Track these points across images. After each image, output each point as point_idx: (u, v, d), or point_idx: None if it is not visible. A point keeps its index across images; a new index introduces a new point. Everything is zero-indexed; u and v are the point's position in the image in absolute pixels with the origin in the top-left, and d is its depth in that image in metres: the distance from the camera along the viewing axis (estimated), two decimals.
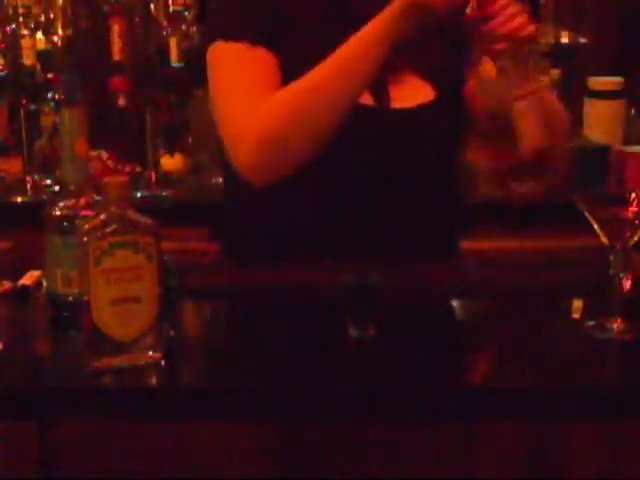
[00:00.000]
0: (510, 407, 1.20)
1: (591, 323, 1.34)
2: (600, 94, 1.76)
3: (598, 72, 1.80)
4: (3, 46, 2.79)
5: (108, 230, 1.23)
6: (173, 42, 2.75)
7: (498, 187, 1.67)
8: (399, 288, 1.47)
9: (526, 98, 1.57)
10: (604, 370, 1.28)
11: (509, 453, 1.22)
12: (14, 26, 2.76)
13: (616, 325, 1.31)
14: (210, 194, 2.61)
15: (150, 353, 1.25)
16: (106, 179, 1.26)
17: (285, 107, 1.57)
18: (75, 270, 1.31)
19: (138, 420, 1.23)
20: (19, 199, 2.71)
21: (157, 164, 2.80)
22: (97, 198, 1.36)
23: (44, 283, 1.47)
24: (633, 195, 1.27)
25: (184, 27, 2.77)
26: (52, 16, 2.80)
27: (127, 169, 2.81)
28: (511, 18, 1.57)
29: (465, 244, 1.80)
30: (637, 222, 1.29)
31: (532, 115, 1.57)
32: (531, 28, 1.59)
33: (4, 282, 1.53)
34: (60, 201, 1.40)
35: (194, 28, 2.77)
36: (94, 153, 2.68)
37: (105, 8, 2.84)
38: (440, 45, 1.70)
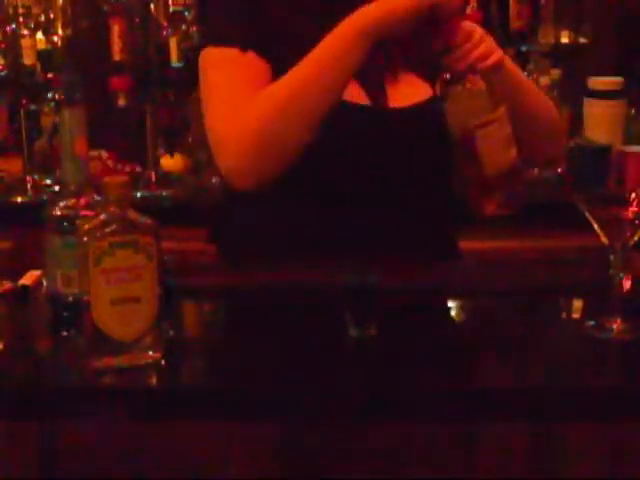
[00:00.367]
0: (510, 407, 1.20)
1: (591, 323, 1.34)
2: (600, 94, 1.76)
3: (598, 72, 1.81)
4: (3, 46, 2.79)
5: (108, 230, 1.23)
6: (173, 42, 2.76)
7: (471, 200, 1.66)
8: (399, 288, 1.47)
9: (486, 126, 1.56)
10: (604, 370, 1.28)
11: (509, 453, 1.22)
12: (14, 26, 2.76)
13: (616, 325, 1.31)
14: (210, 194, 2.61)
15: (150, 353, 1.25)
16: (106, 179, 1.26)
17: (264, 113, 1.58)
18: (75, 270, 1.31)
19: (138, 420, 1.23)
20: (19, 199, 2.72)
21: (157, 164, 2.80)
22: (97, 198, 1.36)
23: (44, 283, 1.47)
24: (633, 195, 1.27)
25: (184, 27, 2.78)
26: (52, 16, 2.80)
27: (127, 169, 2.81)
28: (475, 47, 1.58)
29: (465, 244, 1.80)
30: (637, 222, 1.29)
31: (492, 140, 1.56)
32: (495, 56, 1.60)
33: (4, 282, 1.53)
34: (60, 201, 1.40)
35: (194, 28, 2.76)
36: (94, 153, 2.68)
37: (105, 8, 2.84)
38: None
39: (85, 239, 1.23)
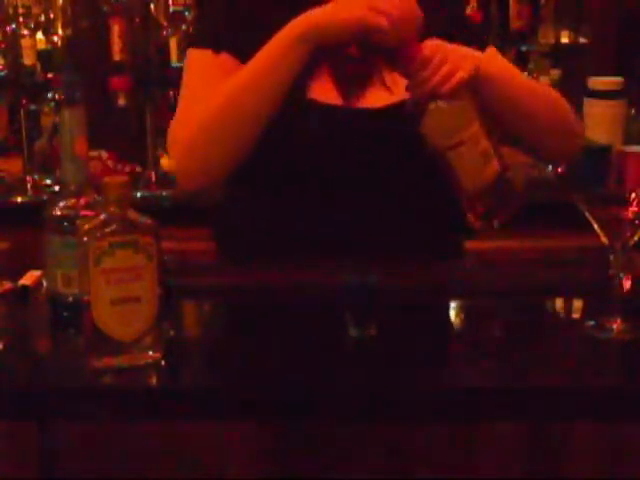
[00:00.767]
0: (510, 407, 1.20)
1: (591, 323, 1.34)
2: (600, 94, 1.76)
3: (598, 72, 1.81)
4: (3, 46, 2.79)
5: (108, 230, 1.23)
6: (173, 42, 2.76)
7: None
8: (399, 288, 1.47)
9: (457, 147, 1.52)
10: (604, 370, 1.28)
11: (509, 453, 1.22)
12: (14, 26, 2.76)
13: (616, 325, 1.31)
14: (210, 194, 2.60)
15: (150, 353, 1.25)
16: (106, 179, 1.26)
17: (203, 119, 1.63)
18: (75, 270, 1.31)
19: (138, 420, 1.23)
20: (19, 199, 2.72)
21: (157, 164, 2.80)
22: (97, 198, 1.36)
23: (44, 283, 1.47)
24: (633, 195, 1.27)
25: (184, 27, 2.78)
26: (52, 16, 2.80)
27: (127, 169, 2.81)
28: (434, 73, 1.52)
29: (465, 244, 1.80)
30: (637, 222, 1.29)
31: (465, 160, 1.52)
32: (459, 76, 1.53)
33: (4, 282, 1.53)
34: (60, 201, 1.40)
35: None
36: (94, 153, 2.68)
37: (105, 8, 2.84)
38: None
39: (85, 239, 1.23)
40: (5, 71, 2.79)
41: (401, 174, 1.67)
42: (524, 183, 1.69)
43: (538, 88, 1.82)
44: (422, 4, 1.60)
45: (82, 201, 1.39)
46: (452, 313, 1.54)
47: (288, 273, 1.57)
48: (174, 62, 2.75)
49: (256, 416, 1.22)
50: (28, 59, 2.75)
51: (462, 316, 1.55)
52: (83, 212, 1.37)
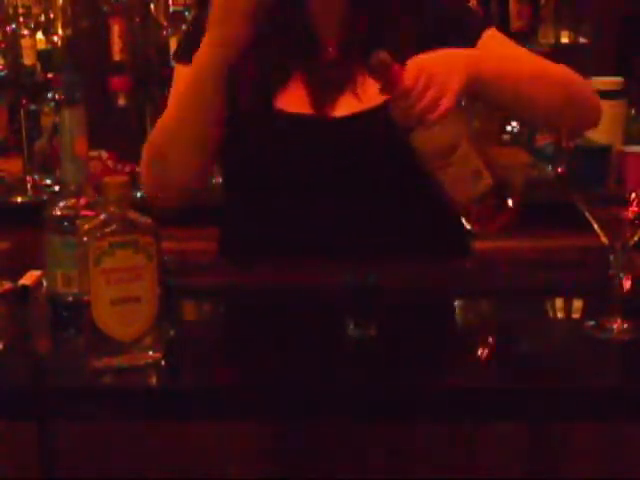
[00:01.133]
0: (510, 407, 1.20)
1: (591, 323, 1.34)
2: (600, 94, 1.76)
3: (598, 72, 1.80)
4: (3, 46, 2.79)
5: (108, 230, 1.23)
6: (173, 42, 2.75)
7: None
8: (399, 288, 1.47)
9: (444, 168, 1.48)
10: (604, 370, 1.28)
11: (509, 453, 1.22)
12: (14, 26, 2.76)
13: (616, 325, 1.31)
14: (210, 194, 2.60)
15: (150, 353, 1.25)
16: (106, 179, 1.26)
17: (153, 135, 1.73)
18: (75, 270, 1.31)
19: (138, 420, 1.23)
20: (19, 199, 2.71)
21: None
22: (97, 198, 1.36)
23: (44, 283, 1.47)
24: (633, 195, 1.27)
25: (184, 27, 2.77)
26: (52, 16, 2.80)
27: (127, 169, 2.81)
28: (419, 99, 1.46)
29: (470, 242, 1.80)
30: (637, 222, 1.29)
31: (454, 178, 1.49)
32: (442, 107, 1.47)
33: (4, 282, 1.53)
34: (60, 201, 1.40)
35: None
36: (94, 153, 2.68)
37: (105, 8, 2.84)
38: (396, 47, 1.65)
39: (85, 239, 1.23)
40: (5, 71, 2.79)
41: (378, 178, 1.66)
42: (522, 187, 1.67)
43: (543, 70, 1.71)
44: (407, 5, 1.61)
45: (82, 201, 1.39)
46: (452, 313, 1.54)
47: (288, 273, 1.57)
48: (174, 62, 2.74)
49: (256, 416, 1.22)
50: (28, 59, 2.75)
51: (462, 316, 1.55)
52: (83, 212, 1.37)
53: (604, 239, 1.32)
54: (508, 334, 1.39)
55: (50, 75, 2.77)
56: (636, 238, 1.31)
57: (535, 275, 1.62)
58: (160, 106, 2.78)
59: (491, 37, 1.73)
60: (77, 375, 1.26)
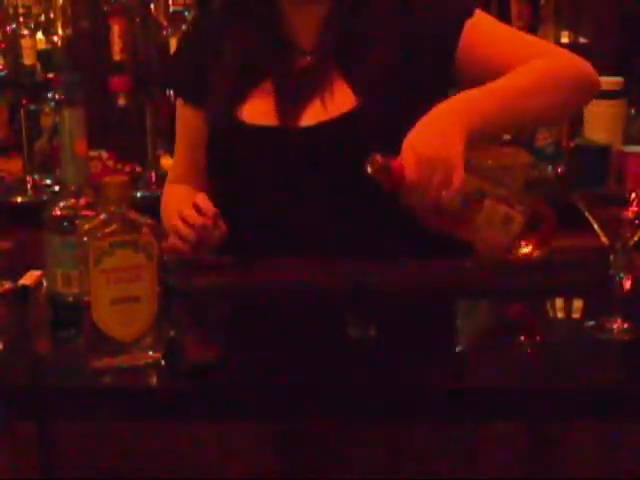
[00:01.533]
0: (510, 407, 1.20)
1: (591, 323, 1.34)
2: (600, 94, 1.76)
3: (598, 72, 1.80)
4: (3, 46, 2.78)
5: (108, 230, 1.23)
6: (173, 42, 2.75)
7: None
8: (399, 288, 1.47)
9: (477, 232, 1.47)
10: (604, 370, 1.28)
11: (509, 453, 1.22)
12: (14, 26, 2.76)
13: (616, 325, 1.31)
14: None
15: (150, 353, 1.25)
16: (106, 179, 1.26)
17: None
18: (75, 270, 1.31)
19: (138, 420, 1.23)
20: (19, 199, 2.71)
21: (157, 164, 2.80)
22: (97, 198, 1.36)
23: (44, 283, 1.47)
24: (633, 195, 1.27)
25: (184, 27, 2.77)
26: (52, 16, 2.80)
27: (127, 169, 2.81)
28: (427, 190, 1.42)
29: None
30: (637, 222, 1.29)
31: (489, 235, 1.48)
32: (452, 190, 1.42)
33: (4, 282, 1.53)
34: (60, 201, 1.40)
35: None
36: (94, 153, 2.68)
37: (105, 8, 2.84)
38: (374, 59, 1.66)
39: (85, 239, 1.23)
40: (5, 71, 2.78)
41: (350, 183, 1.62)
42: (522, 187, 1.67)
43: (540, 74, 1.64)
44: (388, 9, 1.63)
45: (82, 201, 1.39)
46: (452, 313, 1.54)
47: (288, 273, 1.57)
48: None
49: (256, 416, 1.22)
50: (28, 59, 2.75)
51: (462, 316, 1.55)
52: (83, 212, 1.37)
53: (604, 239, 1.32)
54: (508, 334, 1.39)
55: (50, 75, 2.76)
56: (636, 238, 1.31)
57: (535, 275, 1.62)
58: (160, 106, 2.80)
59: (474, 29, 1.67)
60: (77, 375, 1.26)
